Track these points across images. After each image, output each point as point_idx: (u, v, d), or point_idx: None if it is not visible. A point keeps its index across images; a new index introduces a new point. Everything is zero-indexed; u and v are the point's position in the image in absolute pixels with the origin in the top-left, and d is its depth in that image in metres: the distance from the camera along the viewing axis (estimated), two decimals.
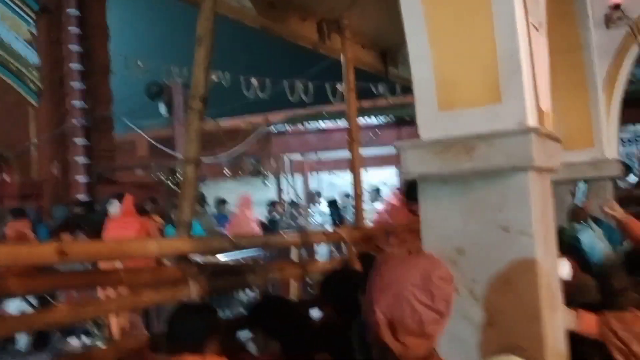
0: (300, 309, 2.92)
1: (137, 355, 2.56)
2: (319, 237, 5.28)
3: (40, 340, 6.69)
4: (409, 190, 4.31)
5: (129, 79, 12.69)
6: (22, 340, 7.03)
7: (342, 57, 5.05)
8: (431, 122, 2.04)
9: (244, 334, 3.10)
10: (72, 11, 10.63)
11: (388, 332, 1.56)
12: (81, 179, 10.63)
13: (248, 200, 9.00)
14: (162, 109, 13.10)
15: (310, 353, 2.60)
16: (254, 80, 12.27)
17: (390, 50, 6.08)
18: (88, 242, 2.74)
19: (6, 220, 7.84)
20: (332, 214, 10.63)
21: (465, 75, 1.98)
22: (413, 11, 2.04)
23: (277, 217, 11.01)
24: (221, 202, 11.55)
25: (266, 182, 14.34)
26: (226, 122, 16.70)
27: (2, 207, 8.79)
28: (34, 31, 10.16)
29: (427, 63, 2.03)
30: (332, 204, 10.89)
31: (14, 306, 6.07)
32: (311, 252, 7.42)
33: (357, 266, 3.89)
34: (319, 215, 12.12)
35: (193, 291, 3.10)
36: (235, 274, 3.71)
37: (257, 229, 8.58)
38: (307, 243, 4.70)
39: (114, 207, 7.11)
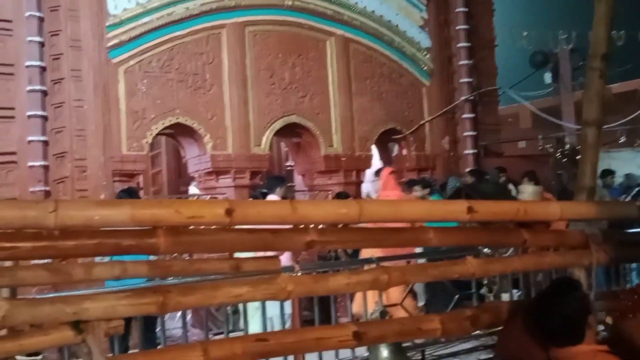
0: None
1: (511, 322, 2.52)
2: None
3: None
4: None
5: (512, 50, 12.66)
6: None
7: None
8: None
9: None
10: None
11: None
12: (469, 152, 11.10)
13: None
14: (547, 77, 12.69)
15: None
16: None
17: None
18: (492, 203, 2.90)
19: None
20: None
21: None
22: None
23: None
24: (607, 173, 10.63)
25: None
26: (619, 86, 15.18)
27: (403, 178, 9.82)
28: (425, 16, 11.01)
29: None
30: None
31: None
32: None
33: None
34: None
35: (597, 258, 2.99)
36: None
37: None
38: None
39: (375, 185, 7.39)
